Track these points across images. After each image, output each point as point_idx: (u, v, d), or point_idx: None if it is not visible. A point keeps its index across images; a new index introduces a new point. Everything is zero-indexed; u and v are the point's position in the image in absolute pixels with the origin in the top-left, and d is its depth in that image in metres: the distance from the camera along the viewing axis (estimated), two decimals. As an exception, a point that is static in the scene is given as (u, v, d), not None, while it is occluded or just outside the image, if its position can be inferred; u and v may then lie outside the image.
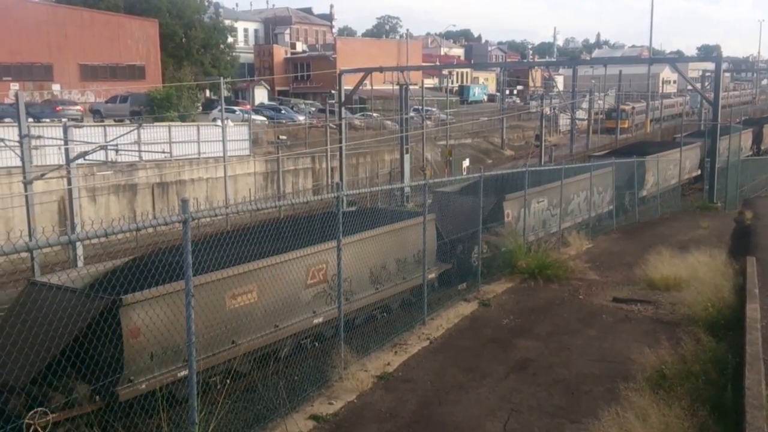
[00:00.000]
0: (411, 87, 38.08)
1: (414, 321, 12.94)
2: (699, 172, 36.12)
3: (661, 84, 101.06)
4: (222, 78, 38.87)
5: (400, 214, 17.76)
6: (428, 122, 53.17)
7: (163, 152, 30.98)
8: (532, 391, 9.81)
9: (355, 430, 8.76)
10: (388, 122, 52.77)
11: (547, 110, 54.51)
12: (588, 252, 19.07)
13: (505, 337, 12.21)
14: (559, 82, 78.49)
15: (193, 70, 59.56)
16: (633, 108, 74.15)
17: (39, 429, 9.59)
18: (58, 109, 41.32)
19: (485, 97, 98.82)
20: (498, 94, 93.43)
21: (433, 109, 62.41)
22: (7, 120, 33.94)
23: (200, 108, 53.58)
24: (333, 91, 49.38)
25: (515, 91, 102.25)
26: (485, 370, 10.67)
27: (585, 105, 65.83)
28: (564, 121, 67.79)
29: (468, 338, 12.18)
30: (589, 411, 8.72)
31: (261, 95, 73.59)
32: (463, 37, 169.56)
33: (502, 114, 62.89)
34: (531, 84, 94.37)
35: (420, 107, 50.30)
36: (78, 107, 44.15)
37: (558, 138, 65.08)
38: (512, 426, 8.72)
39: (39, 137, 21.93)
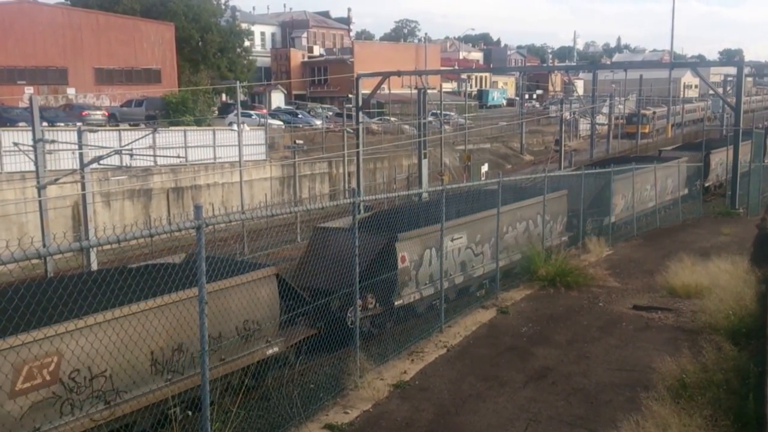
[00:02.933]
0: (429, 91, 37.92)
1: (431, 328, 12.81)
2: (686, 191, 31.01)
3: (682, 89, 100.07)
4: (238, 82, 38.93)
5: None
6: (446, 127, 53.01)
7: (179, 157, 31.03)
8: (550, 400, 9.66)
9: (370, 439, 8.64)
10: (406, 127, 52.67)
11: (566, 115, 54.09)
12: (608, 259, 18.85)
13: (524, 345, 12.05)
14: (579, 86, 77.85)
15: (209, 73, 59.67)
16: (654, 113, 73.48)
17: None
18: (84, 114, 41.47)
19: (504, 102, 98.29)
20: (517, 98, 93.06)
21: (452, 114, 62.20)
22: (21, 124, 34.13)
23: (216, 112, 53.70)
24: (350, 95, 49.24)
25: (535, 96, 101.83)
26: (503, 378, 10.52)
27: (605, 110, 65.30)
28: (584, 125, 67.30)
29: (486, 346, 12.04)
30: (609, 421, 8.57)
31: (278, 99, 73.73)
32: (482, 40, 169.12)
33: (522, 119, 62.60)
34: (551, 88, 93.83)
35: (438, 111, 50.14)
36: (103, 112, 44.30)
37: (578, 143, 64.65)
38: (531, 436, 8.57)
39: (53, 141, 21.99)
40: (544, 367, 10.92)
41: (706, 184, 34.44)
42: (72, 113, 41.55)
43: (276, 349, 12.12)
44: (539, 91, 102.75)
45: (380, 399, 9.82)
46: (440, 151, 43.54)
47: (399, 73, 36.98)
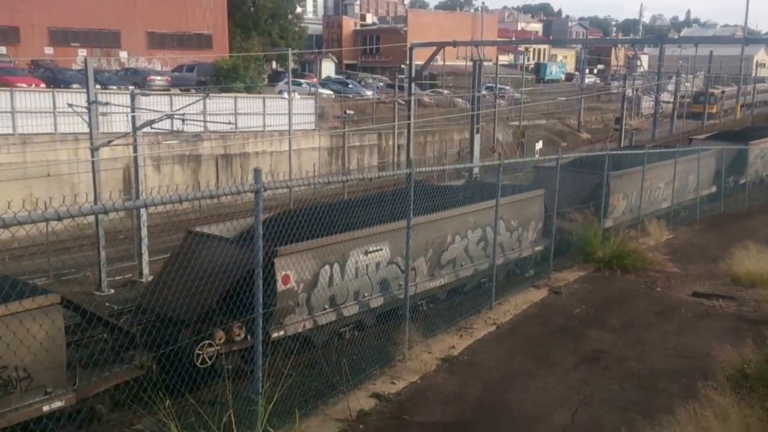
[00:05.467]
0: (485, 63, 37.13)
1: (480, 305, 12.60)
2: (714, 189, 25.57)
3: (755, 67, 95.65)
4: (290, 49, 38.75)
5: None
6: (501, 101, 52.09)
7: (229, 123, 31.05)
8: (603, 383, 9.40)
9: (418, 410, 8.52)
10: (459, 100, 51.92)
11: (629, 92, 52.31)
12: (668, 243, 18.24)
13: (576, 326, 11.76)
14: (644, 61, 74.90)
15: (260, 40, 59.49)
16: (723, 92, 70.42)
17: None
18: (148, 79, 41.90)
19: (563, 76, 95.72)
20: (576, 73, 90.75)
21: (507, 88, 61.00)
22: (75, 86, 34.55)
23: (266, 80, 53.67)
24: (403, 66, 48.71)
25: (595, 71, 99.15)
26: (554, 359, 10.29)
27: (671, 87, 62.93)
28: (647, 103, 65.13)
29: (537, 326, 11.80)
30: (665, 407, 8.27)
31: (328, 68, 73.34)
32: (542, 11, 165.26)
33: (581, 94, 60.90)
34: (613, 63, 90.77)
35: (493, 85, 49.24)
36: (166, 78, 44.66)
37: (639, 122, 62.56)
38: (581, 418, 8.36)
39: (106, 104, 22.15)
40: (597, 350, 10.64)
41: (741, 181, 28.27)
42: (136, 77, 41.93)
43: (60, 403, 9.40)
44: (600, 66, 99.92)
45: (428, 372, 9.70)
46: (494, 126, 42.84)
47: (454, 44, 36.34)
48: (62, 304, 9.47)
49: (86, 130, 21.47)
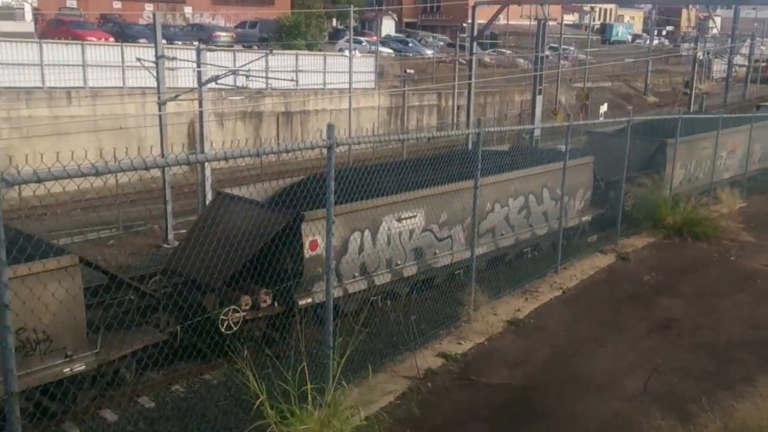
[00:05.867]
0: (549, 23, 36.10)
1: (546, 269, 12.45)
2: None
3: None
4: (352, 6, 38.39)
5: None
6: (565, 62, 50.79)
7: (292, 80, 31.09)
8: (675, 352, 9.22)
9: (484, 372, 8.51)
10: (521, 60, 50.80)
11: (700, 54, 50.25)
12: (741, 211, 17.63)
13: (646, 293, 11.53)
14: (717, 23, 71.61)
15: (322, -3, 59.11)
16: None
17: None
18: (214, 35, 42.20)
19: (629, 37, 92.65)
20: (644, 34, 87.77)
21: (571, 48, 59.36)
22: (141, 41, 34.93)
23: (326, 37, 53.42)
24: (465, 24, 47.84)
25: (664, 32, 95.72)
26: (623, 325, 10.12)
27: (744, 51, 60.25)
28: (718, 67, 62.56)
29: (604, 291, 11.61)
30: (742, 378, 8.08)
31: (388, 26, 72.50)
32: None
33: (649, 56, 58.82)
34: (683, 24, 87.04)
35: (557, 45, 47.97)
36: (231, 34, 44.88)
37: (710, 85, 60.30)
38: (654, 386, 8.21)
39: (173, 59, 22.36)
40: (669, 318, 10.42)
41: None
42: (201, 33, 42.22)
43: (81, 366, 9.28)
44: (669, 28, 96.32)
45: (493, 334, 9.67)
46: (556, 87, 41.88)
47: (519, 2, 35.23)
48: (81, 264, 9.18)
49: (153, 84, 21.75)
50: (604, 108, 37.81)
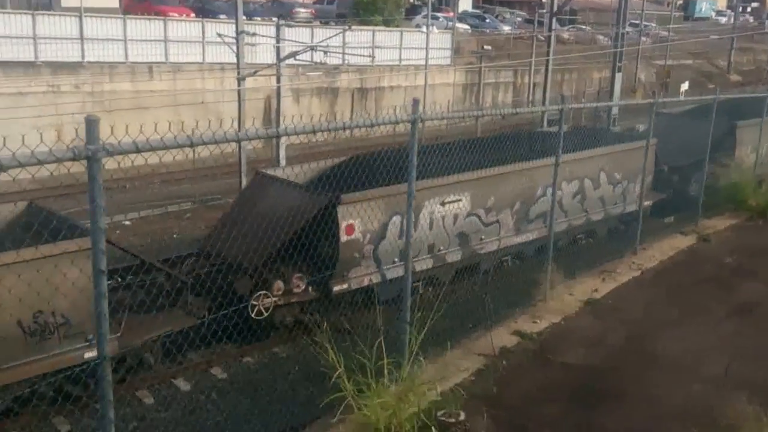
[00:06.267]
0: (631, -1, 35.08)
1: (624, 249, 12.26)
2: None
3: None
4: (430, -19, 38.06)
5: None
6: (645, 39, 49.21)
7: (369, 56, 31.18)
8: (759, 336, 8.98)
9: (561, 350, 8.48)
10: (600, 37, 49.55)
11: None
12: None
13: (727, 276, 11.23)
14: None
15: (399, -28, 58.78)
16: None
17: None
18: (293, 12, 42.73)
19: (713, 14, 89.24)
20: (728, 10, 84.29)
21: (652, 25, 57.45)
22: (222, 16, 35.52)
23: (403, 13, 53.18)
24: (544, 0, 46.76)
25: (749, 9, 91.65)
26: (702, 308, 9.91)
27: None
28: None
29: (683, 273, 11.36)
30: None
31: (465, 2, 71.60)
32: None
33: (733, 33, 56.43)
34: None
35: (638, 21, 46.51)
36: (310, 10, 45.29)
37: (796, 64, 57.57)
38: (736, 371, 8.00)
39: (254, 35, 22.71)
40: (751, 302, 10.13)
41: None
42: (281, 9, 42.69)
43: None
44: (755, 4, 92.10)
45: (569, 313, 9.60)
46: (636, 65, 40.71)
47: (600, -22, 34.45)
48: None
49: (232, 60, 22.23)
50: (685, 86, 36.55)
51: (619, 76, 33.00)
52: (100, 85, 26.84)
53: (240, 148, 20.82)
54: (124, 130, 5.08)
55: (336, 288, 10.89)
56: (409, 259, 7.30)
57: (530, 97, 40.10)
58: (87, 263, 7.56)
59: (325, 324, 6.96)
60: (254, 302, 10.53)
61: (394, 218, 11.35)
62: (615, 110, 30.14)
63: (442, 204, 12.03)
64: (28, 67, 25.81)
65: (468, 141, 14.55)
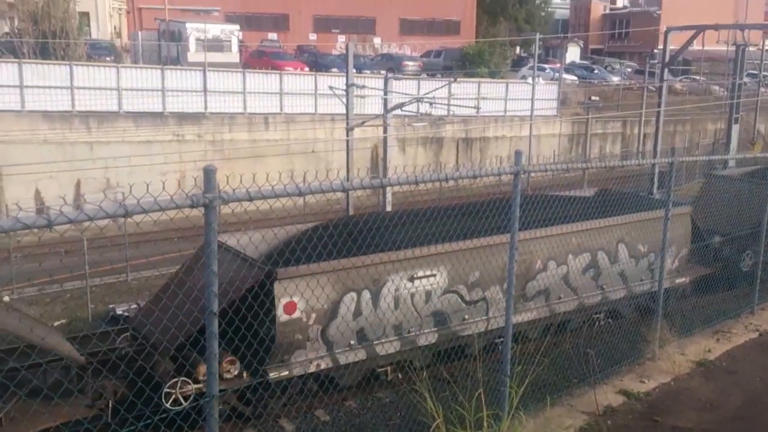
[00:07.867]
0: (749, 48, 33.87)
1: (740, 308, 11.63)
2: None
3: None
4: (537, 34, 38.20)
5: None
6: (765, 89, 47.18)
7: (474, 107, 31.43)
8: None
9: (670, 413, 8.09)
10: (715, 87, 47.95)
11: None
12: None
13: None
14: None
15: (506, 26, 59.45)
16: None
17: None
18: (403, 64, 44.04)
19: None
20: None
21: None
22: (333, 70, 36.83)
23: (509, 65, 53.50)
24: (655, 50, 45.92)
25: None
26: (829, 376, 9.20)
27: None
28: None
29: (808, 336, 10.63)
30: None
31: (573, 53, 71.29)
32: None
33: None
34: None
35: (756, 71, 44.75)
36: (419, 63, 46.50)
37: None
38: None
39: (363, 87, 23.39)
40: None
41: None
42: (391, 62, 44.01)
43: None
44: None
45: (680, 374, 9.16)
46: (755, 116, 39.04)
47: (716, 27, 33.51)
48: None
49: (342, 111, 22.97)
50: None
51: (735, 127, 31.82)
52: (220, 134, 28.37)
53: (348, 195, 21.34)
54: (239, 180, 5.36)
55: (273, 374, 9.71)
56: (511, 309, 7.21)
57: (640, 148, 39.09)
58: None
59: (425, 373, 6.93)
60: (169, 390, 9.22)
61: (348, 296, 10.15)
62: (731, 163, 28.99)
63: (411, 279, 10.86)
64: (156, 117, 27.60)
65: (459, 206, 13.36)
